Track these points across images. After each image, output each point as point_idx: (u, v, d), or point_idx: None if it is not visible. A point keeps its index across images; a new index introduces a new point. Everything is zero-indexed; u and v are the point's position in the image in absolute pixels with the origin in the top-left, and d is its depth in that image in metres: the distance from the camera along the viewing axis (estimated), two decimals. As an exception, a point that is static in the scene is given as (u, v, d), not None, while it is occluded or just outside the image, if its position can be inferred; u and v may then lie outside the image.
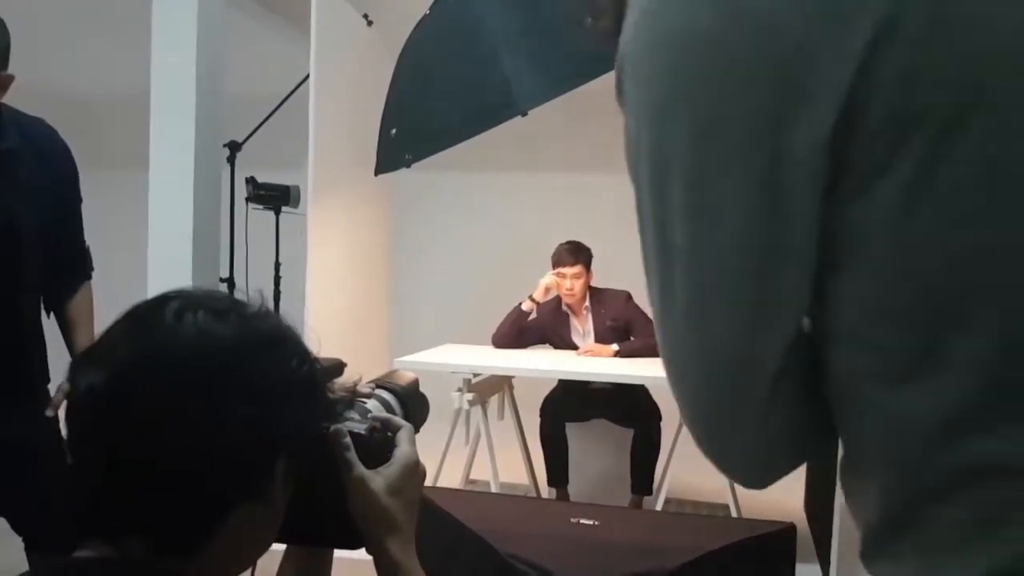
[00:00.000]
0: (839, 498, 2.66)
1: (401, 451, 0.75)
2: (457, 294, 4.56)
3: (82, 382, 0.62)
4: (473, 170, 4.99)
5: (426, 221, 4.80)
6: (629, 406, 3.23)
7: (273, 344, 0.66)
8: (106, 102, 4.67)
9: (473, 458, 3.13)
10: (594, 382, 3.28)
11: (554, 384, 3.40)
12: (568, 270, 3.21)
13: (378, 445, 0.75)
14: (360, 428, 0.75)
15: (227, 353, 0.63)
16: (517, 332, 3.31)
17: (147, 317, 0.64)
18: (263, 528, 0.68)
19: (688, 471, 3.32)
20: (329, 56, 3.36)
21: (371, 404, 0.80)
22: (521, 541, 2.07)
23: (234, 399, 0.62)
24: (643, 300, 3.19)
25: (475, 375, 2.98)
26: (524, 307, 3.30)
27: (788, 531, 2.15)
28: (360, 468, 0.72)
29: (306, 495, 0.70)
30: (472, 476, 3.26)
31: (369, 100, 3.51)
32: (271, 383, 0.64)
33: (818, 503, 3.15)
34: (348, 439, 0.73)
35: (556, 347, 3.36)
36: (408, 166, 2.52)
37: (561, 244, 3.28)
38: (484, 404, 3.08)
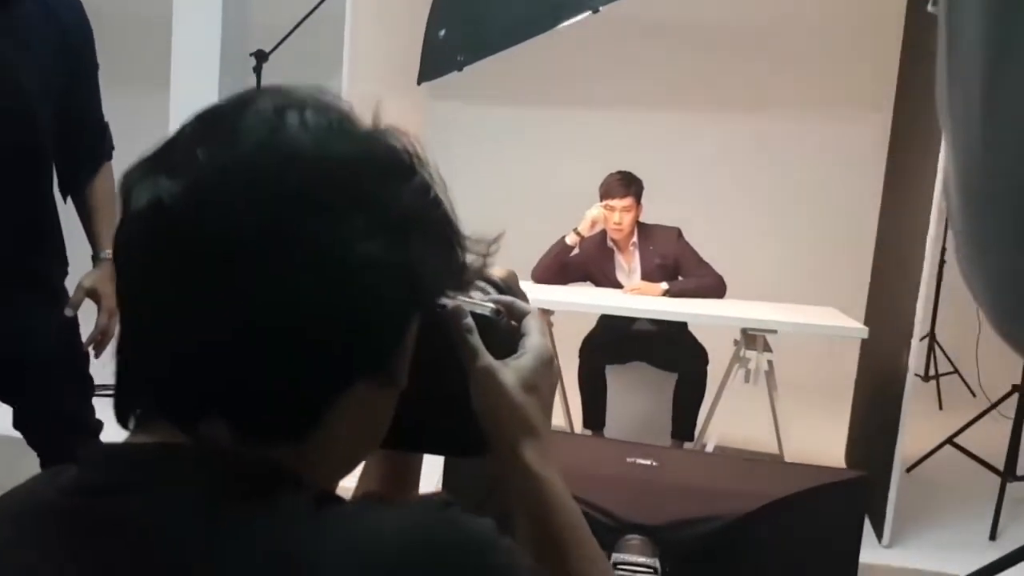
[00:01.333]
0: (899, 452, 2.54)
1: (532, 341, 0.59)
2: (495, 226, 4.37)
3: (142, 195, 0.44)
4: (519, 103, 4.78)
5: (463, 150, 4.59)
6: (673, 348, 3.08)
7: (406, 168, 0.49)
8: (124, 12, 4.42)
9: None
10: (636, 323, 3.14)
11: (594, 324, 3.25)
12: (617, 202, 3.02)
13: (504, 333, 0.59)
14: (483, 309, 0.58)
15: (351, 167, 0.46)
16: (559, 267, 3.14)
17: (233, 115, 0.46)
18: (381, 416, 0.52)
19: (732, 418, 3.20)
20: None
21: (475, 295, 0.63)
22: (575, 479, 1.92)
23: (362, 229, 0.44)
24: (693, 238, 3.05)
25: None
26: (568, 241, 3.12)
27: (861, 480, 2.00)
28: (488, 357, 0.56)
29: (416, 387, 0.54)
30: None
31: (413, 4, 3.26)
32: (407, 216, 0.47)
33: (863, 456, 3.03)
34: (470, 320, 0.56)
35: (599, 285, 3.20)
36: (460, 69, 2.30)
37: (611, 174, 3.08)
38: (524, 339, 2.94)
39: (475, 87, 4.84)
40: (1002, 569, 1.64)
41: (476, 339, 0.56)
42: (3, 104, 1.42)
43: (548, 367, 0.59)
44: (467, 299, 0.59)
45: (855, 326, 2.64)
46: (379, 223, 0.46)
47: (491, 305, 0.60)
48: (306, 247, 0.43)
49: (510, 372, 0.57)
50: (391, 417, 0.53)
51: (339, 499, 0.45)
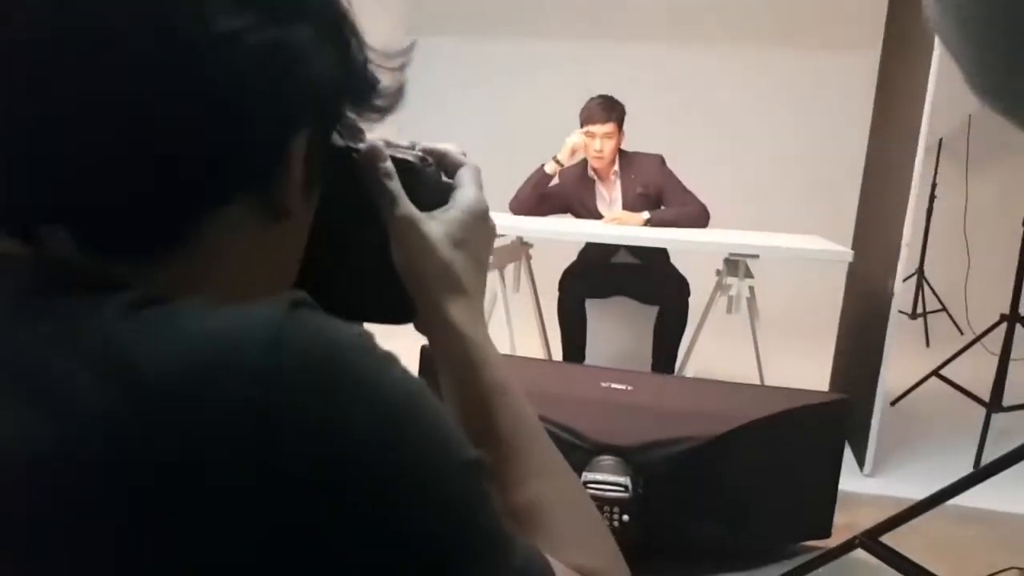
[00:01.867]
0: (882, 380, 2.49)
1: (465, 193, 0.52)
2: (472, 158, 4.28)
3: None
4: (500, 36, 4.62)
5: (442, 83, 4.46)
6: (654, 281, 3.01)
7: None
8: None
9: (488, 324, 2.90)
10: (616, 255, 3.05)
11: (574, 257, 3.17)
12: (599, 128, 2.90)
13: (432, 183, 0.52)
14: (407, 155, 0.52)
15: None
16: (538, 198, 3.03)
17: None
18: (276, 255, 0.44)
19: (713, 350, 3.15)
20: None
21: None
22: (549, 403, 1.87)
23: (224, 1, 0.37)
24: (676, 166, 2.95)
25: (493, 235, 2.73)
26: (548, 169, 3.00)
27: (841, 404, 1.96)
28: (408, 205, 0.49)
29: (332, 247, 0.48)
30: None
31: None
32: None
33: (846, 387, 2.99)
34: (389, 164, 0.49)
35: (579, 217, 3.10)
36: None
37: (592, 98, 2.95)
38: (501, 269, 2.85)
39: (456, 20, 4.67)
40: (982, 479, 1.59)
41: (396, 185, 0.49)
42: None
43: (481, 222, 0.53)
44: (389, 144, 0.52)
45: (840, 249, 2.56)
46: None
47: (417, 152, 0.53)
48: (155, 21, 0.36)
49: (436, 224, 0.50)
50: (293, 261, 0.46)
51: (169, 301, 0.36)
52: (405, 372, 0.37)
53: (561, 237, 2.85)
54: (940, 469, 2.59)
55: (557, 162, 2.98)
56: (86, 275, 0.37)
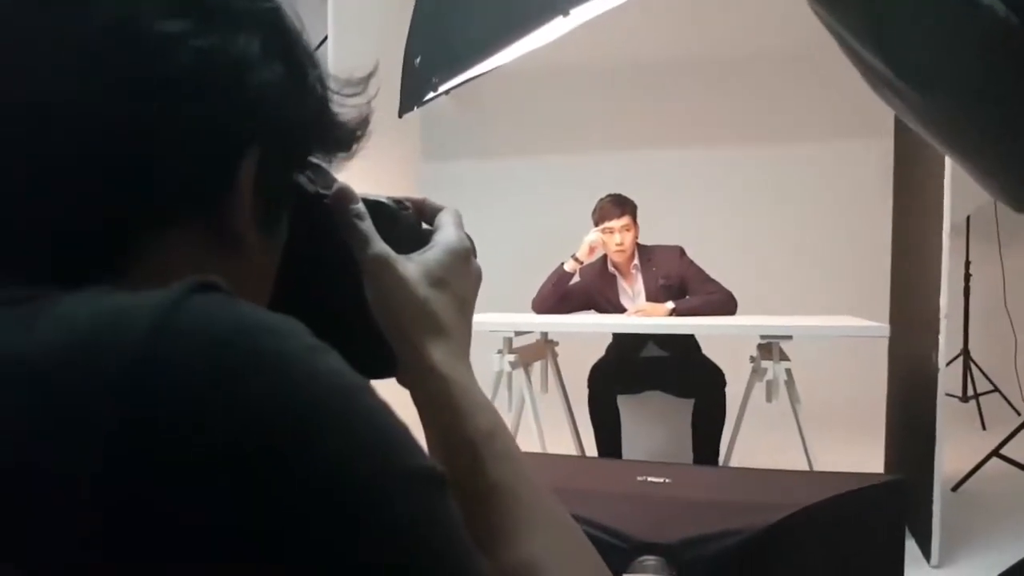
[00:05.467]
0: (939, 461, 2.34)
1: (445, 234, 0.49)
2: (495, 265, 4.32)
3: None
4: (510, 154, 4.80)
5: (456, 198, 4.60)
6: (687, 373, 2.92)
7: None
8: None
9: (518, 426, 2.81)
10: (645, 349, 2.99)
11: (601, 353, 3.11)
12: (615, 223, 2.92)
13: (409, 227, 0.50)
14: (380, 197, 0.50)
15: None
16: (560, 296, 3.01)
17: None
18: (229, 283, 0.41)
19: (757, 442, 3.00)
20: (349, 17, 3.11)
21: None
22: (584, 500, 1.77)
23: (164, 4, 0.36)
24: (697, 255, 2.93)
25: (516, 332, 2.69)
26: (567, 268, 3.00)
27: (898, 484, 1.82)
28: (381, 244, 0.46)
29: (300, 297, 0.45)
30: (516, 451, 2.96)
31: (395, 67, 3.26)
32: (228, 3, 0.39)
33: (904, 467, 2.81)
34: (361, 205, 0.47)
35: (603, 312, 3.07)
36: (435, 91, 2.25)
37: (601, 199, 2.99)
38: (527, 368, 2.80)
39: (466, 144, 4.89)
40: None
41: (368, 225, 0.46)
42: None
43: (462, 261, 0.49)
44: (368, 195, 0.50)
45: (875, 324, 2.48)
46: (188, 2, 0.37)
47: (393, 197, 0.50)
48: (91, 20, 0.35)
49: (412, 264, 0.47)
50: (254, 299, 0.43)
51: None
52: (344, 365, 0.32)
53: (587, 330, 2.81)
54: (1013, 556, 2.38)
55: (576, 260, 2.99)
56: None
